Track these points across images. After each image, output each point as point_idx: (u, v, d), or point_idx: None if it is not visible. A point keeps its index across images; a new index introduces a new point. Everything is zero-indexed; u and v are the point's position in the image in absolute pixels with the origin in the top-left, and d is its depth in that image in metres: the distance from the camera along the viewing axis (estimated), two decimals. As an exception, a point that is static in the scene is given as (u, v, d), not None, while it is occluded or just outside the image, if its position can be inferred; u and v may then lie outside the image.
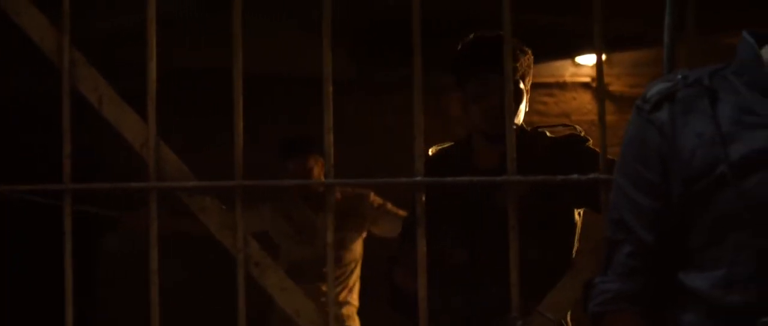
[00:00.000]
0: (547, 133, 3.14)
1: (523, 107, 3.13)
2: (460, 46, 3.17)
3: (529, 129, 3.15)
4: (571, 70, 7.27)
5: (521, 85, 3.12)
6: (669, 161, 1.93)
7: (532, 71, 3.17)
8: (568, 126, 3.18)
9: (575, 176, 2.22)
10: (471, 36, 3.16)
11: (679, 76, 1.99)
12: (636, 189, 1.97)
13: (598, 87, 2.24)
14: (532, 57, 3.16)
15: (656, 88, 1.99)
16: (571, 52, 6.51)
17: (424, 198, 2.30)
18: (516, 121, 3.04)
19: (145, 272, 2.41)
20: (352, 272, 4.94)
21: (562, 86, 7.29)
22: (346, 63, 6.11)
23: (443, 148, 3.25)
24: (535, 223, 2.82)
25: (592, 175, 2.24)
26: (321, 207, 4.49)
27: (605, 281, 1.99)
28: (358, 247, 4.93)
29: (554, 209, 2.96)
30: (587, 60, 7.01)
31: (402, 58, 2.79)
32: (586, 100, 7.29)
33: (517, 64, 3.05)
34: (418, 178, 2.26)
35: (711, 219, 1.89)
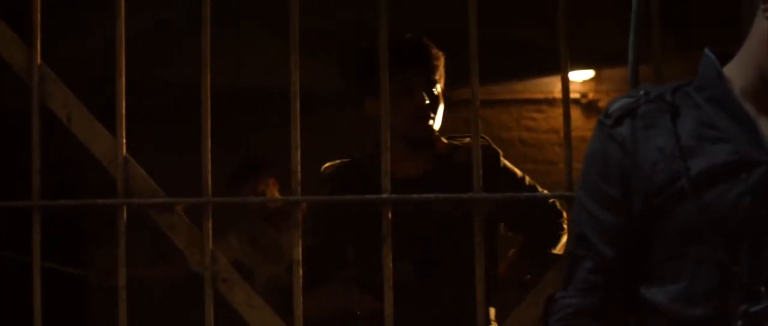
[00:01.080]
0: (458, 144, 3.04)
1: (440, 113, 3.01)
2: (363, 49, 3.03)
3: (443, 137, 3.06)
4: (560, 86, 7.28)
5: (439, 86, 3.02)
6: (630, 176, 1.94)
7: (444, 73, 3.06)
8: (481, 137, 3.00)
9: (542, 193, 2.22)
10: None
11: (642, 92, 2.00)
12: (597, 205, 1.97)
13: (564, 105, 2.24)
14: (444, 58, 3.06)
15: (618, 104, 2.00)
16: (559, 69, 6.51)
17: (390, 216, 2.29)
18: (435, 126, 2.98)
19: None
20: None
21: (551, 102, 7.30)
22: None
23: (347, 163, 3.10)
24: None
25: (558, 192, 2.23)
26: (284, 226, 4.51)
27: (566, 296, 1.99)
28: None
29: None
30: (577, 76, 7.03)
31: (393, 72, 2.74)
32: (575, 115, 7.31)
33: (437, 62, 2.98)
34: (385, 196, 2.26)
35: (672, 233, 1.90)
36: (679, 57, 3.70)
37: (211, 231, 2.35)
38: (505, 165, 2.95)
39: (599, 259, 1.97)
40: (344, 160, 3.08)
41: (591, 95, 7.30)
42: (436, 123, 2.96)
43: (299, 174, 2.32)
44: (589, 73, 7.07)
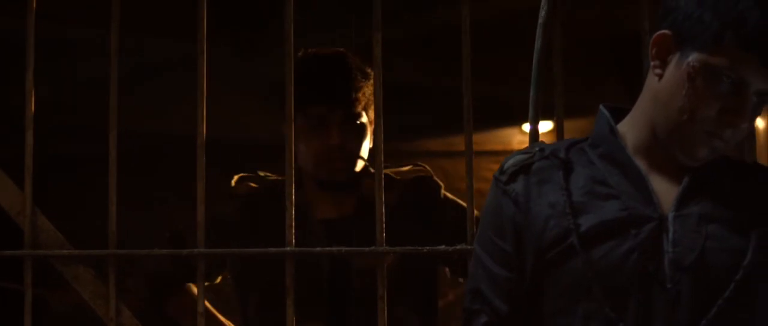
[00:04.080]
0: (394, 176, 2.64)
1: (366, 144, 2.60)
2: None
3: (373, 170, 2.51)
4: (519, 137, 7.34)
5: (364, 118, 2.59)
6: (523, 231, 1.96)
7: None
8: (418, 166, 2.69)
9: (442, 247, 2.23)
10: (300, 52, 2.57)
11: (537, 149, 2.03)
12: (491, 260, 2.00)
13: (467, 156, 2.26)
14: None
15: (513, 160, 2.03)
16: (518, 121, 6.57)
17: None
18: (359, 162, 2.60)
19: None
20: None
21: (509, 153, 7.30)
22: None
23: (253, 182, 2.66)
24: (403, 285, 2.47)
25: (459, 246, 2.25)
26: None
27: (463, 350, 2.01)
28: None
29: (420, 271, 2.57)
30: (539, 127, 7.04)
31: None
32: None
33: (359, 94, 2.55)
34: (289, 248, 2.26)
35: (562, 289, 1.93)
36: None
37: (115, 284, 2.35)
38: (446, 197, 2.64)
39: (494, 314, 1.99)
40: (263, 178, 2.67)
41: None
42: (356, 162, 2.59)
43: (203, 226, 2.32)
44: (548, 125, 7.12)
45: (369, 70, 2.57)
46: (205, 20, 2.36)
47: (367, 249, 2.24)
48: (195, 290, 2.60)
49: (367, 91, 2.57)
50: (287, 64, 2.34)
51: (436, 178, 2.66)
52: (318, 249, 2.28)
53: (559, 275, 1.92)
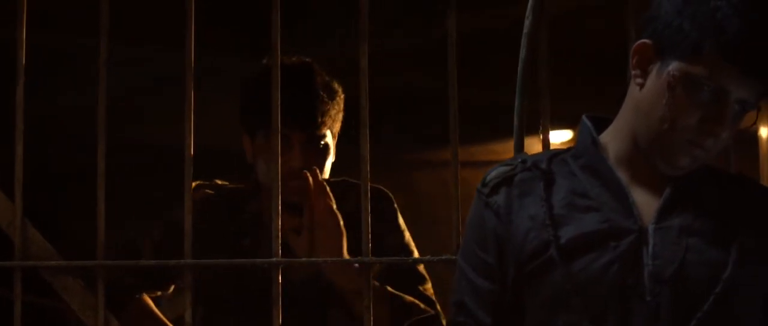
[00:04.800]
0: (350, 181, 2.58)
1: (329, 163, 2.53)
2: (250, 75, 2.55)
3: (331, 180, 2.54)
4: (537, 146, 7.27)
5: (328, 139, 2.52)
6: (504, 244, 1.96)
7: (341, 116, 2.55)
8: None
9: (428, 257, 2.22)
10: (266, 59, 2.49)
11: (519, 160, 2.02)
12: (475, 272, 1.99)
13: (453, 166, 2.25)
14: (343, 97, 2.53)
15: (495, 172, 2.02)
16: (537, 130, 6.52)
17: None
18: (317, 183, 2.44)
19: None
20: None
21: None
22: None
23: (209, 189, 2.60)
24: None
25: (444, 256, 2.24)
26: None
27: (447, 363, 2.00)
28: None
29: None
30: (557, 137, 7.01)
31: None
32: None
33: (325, 117, 2.47)
34: (275, 259, 2.26)
35: (542, 301, 1.92)
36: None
37: (103, 294, 2.36)
38: (395, 212, 2.56)
39: None
40: (221, 186, 2.61)
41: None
42: (325, 174, 2.52)
43: (191, 238, 2.33)
44: (568, 134, 7.11)
45: (336, 86, 2.53)
46: (193, 37, 2.37)
47: (353, 259, 2.24)
48: (149, 301, 2.63)
49: (333, 111, 2.50)
50: (273, 74, 2.33)
51: (386, 190, 2.59)
52: (303, 259, 2.27)
53: (539, 287, 1.91)
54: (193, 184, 2.50)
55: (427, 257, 2.23)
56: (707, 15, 1.85)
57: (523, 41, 2.18)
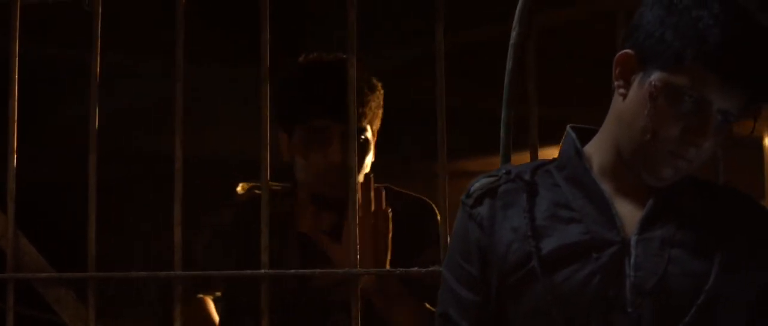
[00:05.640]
0: (395, 190, 2.55)
1: (368, 161, 2.50)
2: (287, 73, 2.53)
3: (376, 185, 2.48)
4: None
5: (368, 134, 2.50)
6: (487, 255, 1.95)
7: (381, 113, 2.54)
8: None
9: (415, 269, 2.22)
10: (302, 57, 2.52)
11: (504, 171, 2.01)
12: (459, 284, 1.98)
13: (440, 171, 2.25)
14: (383, 93, 2.52)
15: (479, 183, 2.02)
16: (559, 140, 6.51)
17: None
18: (359, 178, 2.45)
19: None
20: None
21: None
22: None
23: (258, 190, 2.53)
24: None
25: (432, 268, 2.24)
26: None
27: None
28: None
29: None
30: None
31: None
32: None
33: (365, 108, 2.45)
34: (263, 271, 2.26)
35: (524, 312, 1.91)
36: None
37: (94, 306, 2.37)
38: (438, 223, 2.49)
39: None
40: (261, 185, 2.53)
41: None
42: (362, 173, 2.48)
43: (180, 250, 2.33)
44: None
45: (375, 81, 2.50)
46: (182, 47, 2.38)
47: (340, 270, 2.23)
48: (207, 302, 2.63)
49: (373, 104, 2.48)
50: (262, 88, 2.34)
51: (433, 206, 2.56)
52: (292, 271, 2.27)
53: (521, 299, 1.91)
54: (245, 186, 2.56)
55: (415, 269, 2.22)
56: (689, 25, 1.84)
57: (510, 52, 2.17)
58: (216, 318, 2.65)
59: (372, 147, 2.51)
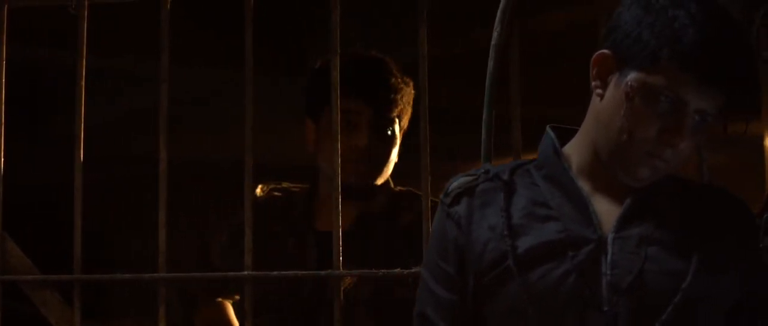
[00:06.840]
0: (415, 192, 2.49)
1: (394, 155, 2.48)
2: (321, 62, 2.51)
3: (395, 188, 2.52)
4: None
5: (396, 127, 2.47)
6: (464, 254, 1.96)
7: (410, 111, 2.51)
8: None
9: (397, 270, 2.22)
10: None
11: (482, 171, 2.02)
12: (436, 283, 1.99)
13: (423, 183, 2.25)
14: (414, 92, 2.48)
15: (457, 182, 2.02)
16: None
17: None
18: (384, 172, 2.48)
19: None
20: None
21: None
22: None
23: (277, 192, 2.58)
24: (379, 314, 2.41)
25: (415, 269, 2.24)
26: None
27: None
28: None
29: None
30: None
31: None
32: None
33: (397, 96, 2.44)
34: (246, 272, 2.27)
35: (500, 311, 1.91)
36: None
37: (80, 309, 2.37)
38: None
39: None
40: (281, 186, 2.59)
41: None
42: (382, 171, 2.47)
43: (165, 254, 2.34)
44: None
45: (408, 80, 2.49)
46: (169, 49, 2.39)
47: (322, 272, 2.24)
48: (226, 306, 2.65)
49: (405, 96, 2.45)
50: (247, 94, 2.34)
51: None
52: (274, 272, 2.27)
53: (497, 298, 1.91)
54: (265, 187, 2.55)
55: (397, 270, 2.22)
56: (665, 24, 1.84)
57: (492, 53, 2.18)
58: (235, 322, 2.67)
59: (398, 141, 2.49)
